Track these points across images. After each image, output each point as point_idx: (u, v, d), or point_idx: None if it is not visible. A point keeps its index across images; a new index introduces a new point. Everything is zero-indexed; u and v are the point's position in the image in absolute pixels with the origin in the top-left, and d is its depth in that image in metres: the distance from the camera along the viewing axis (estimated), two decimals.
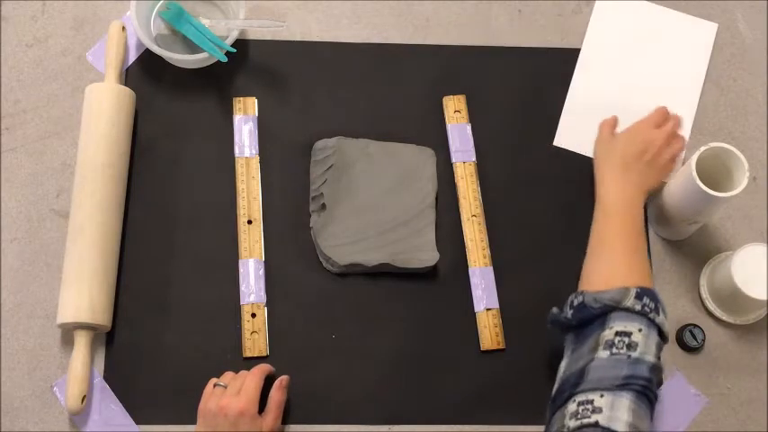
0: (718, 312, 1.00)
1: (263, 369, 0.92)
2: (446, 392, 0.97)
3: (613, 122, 1.02)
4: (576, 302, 0.86)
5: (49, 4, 1.11)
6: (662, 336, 0.84)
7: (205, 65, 1.07)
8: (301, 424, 0.95)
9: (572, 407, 0.78)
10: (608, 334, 0.82)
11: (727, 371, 0.99)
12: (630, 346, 0.80)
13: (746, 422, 0.97)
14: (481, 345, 0.98)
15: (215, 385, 0.91)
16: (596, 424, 0.75)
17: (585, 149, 1.06)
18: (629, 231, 0.91)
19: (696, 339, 0.98)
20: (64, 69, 1.08)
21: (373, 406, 0.96)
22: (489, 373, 0.98)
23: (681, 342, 0.99)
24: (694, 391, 0.98)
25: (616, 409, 0.76)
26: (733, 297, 0.96)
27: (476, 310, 0.99)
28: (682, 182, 0.94)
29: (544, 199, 1.05)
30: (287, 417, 0.94)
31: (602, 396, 0.77)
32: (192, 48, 1.05)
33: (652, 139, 0.97)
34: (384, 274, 1.00)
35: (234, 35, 1.04)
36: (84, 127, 1.01)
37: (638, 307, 0.82)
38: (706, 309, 1.01)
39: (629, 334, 0.81)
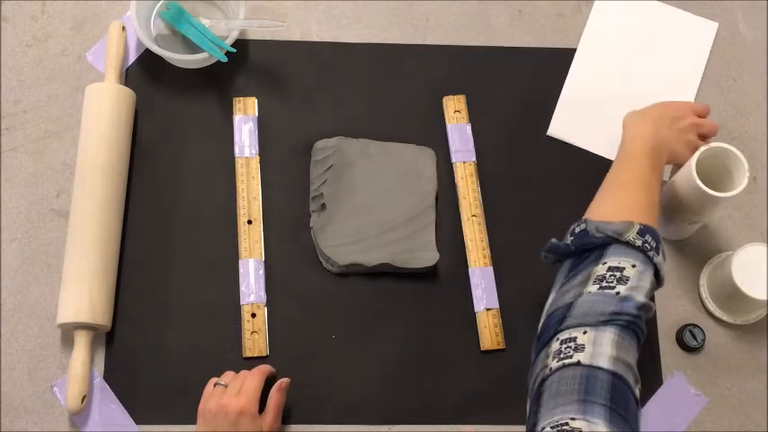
0: (718, 312, 1.00)
1: (263, 370, 0.92)
2: (446, 392, 0.97)
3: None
4: (578, 230, 0.84)
5: (49, 4, 1.11)
6: (657, 277, 0.82)
7: (205, 65, 1.07)
8: (301, 424, 0.95)
9: (555, 345, 0.76)
10: (600, 269, 0.79)
11: (728, 371, 0.99)
12: (621, 281, 0.78)
13: (746, 422, 0.97)
14: (481, 345, 0.98)
15: (215, 384, 0.91)
16: (578, 363, 0.73)
17: (579, 141, 1.06)
18: (645, 174, 0.89)
19: (696, 339, 0.98)
20: (64, 69, 1.08)
21: (373, 406, 0.96)
22: (489, 373, 0.98)
23: (681, 342, 0.99)
24: (694, 391, 0.98)
25: (599, 344, 0.74)
26: (733, 297, 0.96)
27: (476, 310, 0.99)
28: (682, 182, 0.94)
29: (544, 199, 1.05)
30: (287, 418, 0.94)
31: (585, 333, 0.75)
32: (192, 48, 1.05)
33: (687, 113, 0.97)
34: (384, 274, 1.00)
35: (234, 35, 1.04)
36: (84, 127, 1.01)
37: (638, 242, 0.80)
38: (706, 309, 1.01)
39: (621, 269, 0.79)
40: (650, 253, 0.80)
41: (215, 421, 0.88)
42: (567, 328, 0.76)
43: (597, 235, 0.81)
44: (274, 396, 0.91)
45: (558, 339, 0.76)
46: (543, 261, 0.88)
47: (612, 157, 0.95)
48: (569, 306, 0.78)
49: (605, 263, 0.80)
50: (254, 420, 0.88)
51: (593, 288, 0.78)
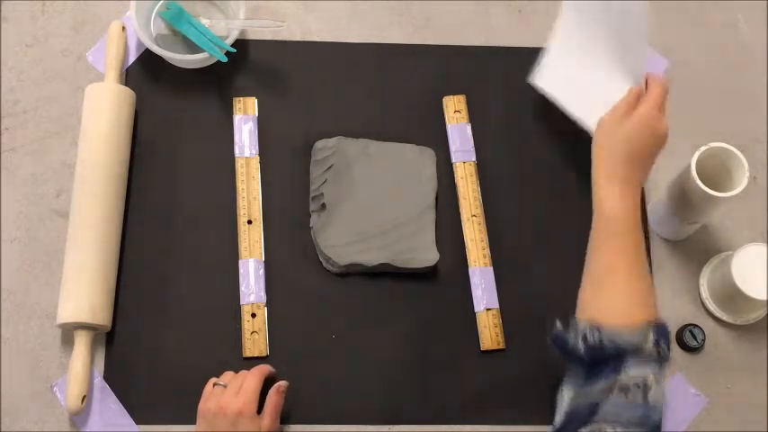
0: (718, 312, 1.00)
1: (262, 370, 0.92)
2: (446, 392, 0.97)
3: (636, 96, 0.91)
4: (590, 340, 0.81)
5: (49, 4, 1.11)
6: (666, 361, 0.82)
7: (205, 65, 1.07)
8: (301, 424, 0.95)
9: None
10: (623, 378, 0.78)
11: (727, 371, 0.99)
12: (646, 391, 0.78)
13: (746, 422, 0.97)
14: (481, 345, 0.98)
15: (214, 385, 0.91)
16: None
17: (560, 97, 1.02)
18: (637, 249, 0.85)
19: (696, 339, 0.98)
20: (64, 69, 1.08)
21: (373, 406, 0.96)
22: (489, 373, 0.98)
23: (681, 342, 0.99)
24: (694, 391, 0.98)
25: None
26: (733, 297, 0.96)
27: (476, 310, 0.99)
28: (682, 182, 0.94)
29: (544, 199, 1.05)
30: (286, 418, 0.94)
31: (614, 429, 0.75)
32: (192, 48, 1.05)
33: (663, 130, 0.90)
34: (384, 274, 1.00)
35: (234, 35, 1.04)
36: (84, 127, 1.01)
37: (655, 353, 0.79)
38: (706, 309, 1.01)
39: (644, 378, 0.78)
40: (664, 357, 0.80)
41: (214, 421, 0.88)
42: (596, 421, 0.76)
43: (611, 347, 0.80)
44: (272, 397, 0.91)
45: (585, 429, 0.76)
46: (550, 349, 0.87)
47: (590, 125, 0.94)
48: (594, 405, 0.78)
49: (627, 373, 0.79)
50: (253, 421, 0.88)
51: (618, 397, 0.78)
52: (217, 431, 0.87)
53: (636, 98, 0.91)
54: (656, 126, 0.90)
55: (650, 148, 0.90)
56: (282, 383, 0.92)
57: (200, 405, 0.90)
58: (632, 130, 0.89)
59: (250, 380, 0.90)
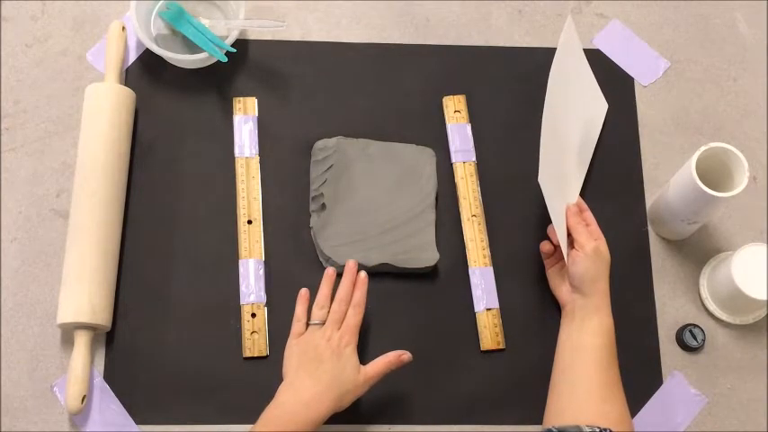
0: (718, 312, 1.00)
1: (362, 306, 0.93)
2: (446, 392, 0.97)
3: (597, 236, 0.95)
4: None
5: (49, 4, 1.11)
6: None
7: (205, 65, 1.08)
8: None
9: None
10: None
11: (727, 371, 0.99)
12: None
13: (746, 422, 0.97)
14: (481, 345, 0.98)
15: (308, 324, 0.93)
16: None
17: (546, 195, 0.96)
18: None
19: (696, 339, 0.98)
20: (64, 69, 1.08)
21: (373, 406, 0.96)
22: (489, 373, 0.98)
23: (681, 342, 0.99)
24: (694, 391, 0.98)
25: None
26: (733, 297, 0.96)
27: (476, 310, 0.99)
28: (682, 182, 0.94)
29: (544, 199, 1.04)
30: None
31: None
32: (192, 48, 1.05)
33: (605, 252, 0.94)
34: (384, 274, 1.00)
35: (234, 35, 1.04)
36: (84, 127, 1.01)
37: None
38: (706, 309, 1.01)
39: None
40: None
41: (315, 351, 0.89)
42: None
43: None
44: (390, 356, 0.91)
45: None
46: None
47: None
48: None
49: None
50: (354, 356, 0.90)
51: None
52: (320, 359, 0.88)
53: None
54: (604, 244, 0.94)
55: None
56: (408, 356, 0.92)
57: (293, 340, 0.92)
58: (598, 253, 0.93)
59: (351, 317, 0.92)
